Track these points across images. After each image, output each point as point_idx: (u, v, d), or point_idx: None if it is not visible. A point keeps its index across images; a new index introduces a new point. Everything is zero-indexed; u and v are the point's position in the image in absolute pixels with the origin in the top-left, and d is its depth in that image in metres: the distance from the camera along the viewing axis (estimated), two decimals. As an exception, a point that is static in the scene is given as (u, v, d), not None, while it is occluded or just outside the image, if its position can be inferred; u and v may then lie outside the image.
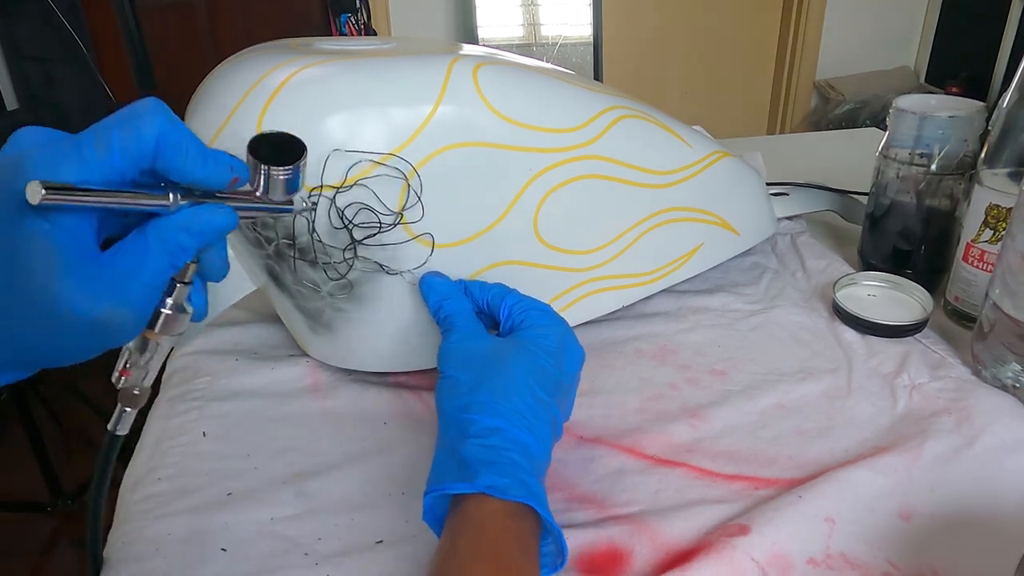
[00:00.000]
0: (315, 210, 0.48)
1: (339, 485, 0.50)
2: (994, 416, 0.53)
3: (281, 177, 0.36)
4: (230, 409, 0.58)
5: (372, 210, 0.50)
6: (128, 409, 0.38)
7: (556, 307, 0.61)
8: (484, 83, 0.52)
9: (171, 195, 0.32)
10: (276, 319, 0.65)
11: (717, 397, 0.58)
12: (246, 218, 0.39)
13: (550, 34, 2.43)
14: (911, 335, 0.63)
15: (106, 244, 0.32)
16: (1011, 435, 0.52)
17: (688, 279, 0.70)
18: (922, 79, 2.86)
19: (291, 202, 0.38)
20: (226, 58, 0.54)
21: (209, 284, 0.38)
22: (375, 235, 0.51)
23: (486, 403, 0.42)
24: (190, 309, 0.36)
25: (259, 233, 0.51)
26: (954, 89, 2.58)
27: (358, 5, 2.23)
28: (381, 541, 0.46)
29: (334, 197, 0.49)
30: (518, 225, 0.56)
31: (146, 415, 0.58)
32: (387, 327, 0.56)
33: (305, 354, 0.62)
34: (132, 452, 0.54)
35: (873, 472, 0.48)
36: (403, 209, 0.50)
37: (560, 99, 0.56)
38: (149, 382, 0.37)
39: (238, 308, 0.58)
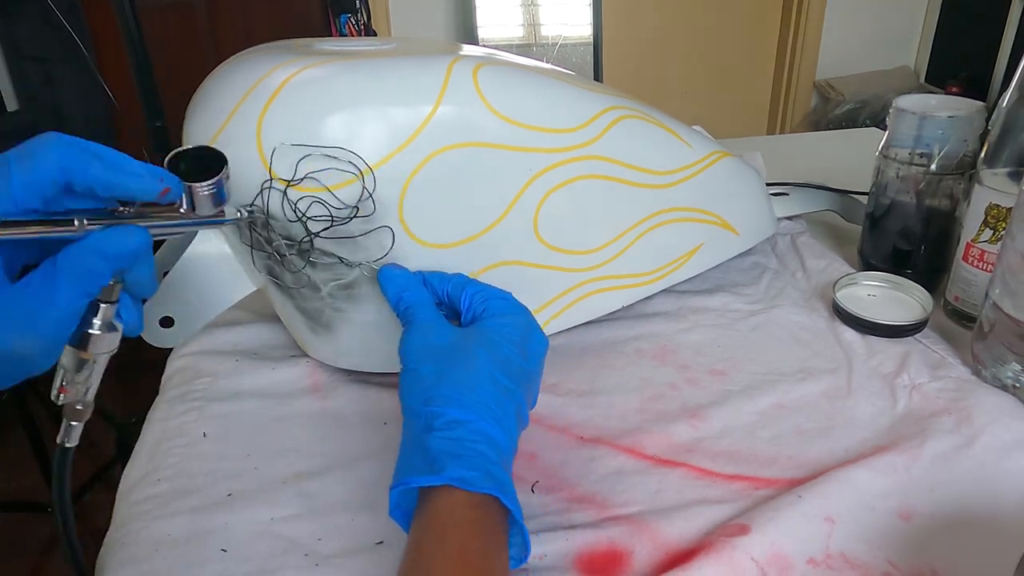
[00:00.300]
0: (249, 218, 0.47)
1: (339, 486, 0.50)
2: (994, 416, 0.53)
3: (204, 192, 0.36)
4: (230, 410, 0.58)
5: (324, 203, 0.49)
6: (74, 423, 0.38)
7: (556, 307, 0.61)
8: (484, 83, 0.52)
9: (75, 220, 0.32)
10: (276, 320, 0.65)
11: (717, 397, 0.58)
12: (175, 234, 0.39)
13: (550, 34, 2.43)
14: (911, 335, 0.63)
15: (24, 272, 0.32)
16: (1011, 435, 0.52)
17: (688, 279, 0.70)
18: (922, 79, 2.86)
19: (222, 214, 0.38)
20: (226, 59, 0.54)
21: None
22: (330, 227, 0.49)
23: (450, 395, 0.41)
24: (120, 327, 0.36)
25: (259, 234, 0.51)
26: (954, 89, 2.58)
27: (358, 5, 2.23)
28: (381, 542, 0.46)
29: (285, 191, 0.48)
30: (518, 225, 0.56)
31: (146, 416, 0.58)
32: (387, 327, 0.56)
33: (305, 354, 0.62)
34: (132, 453, 0.54)
35: (873, 472, 0.48)
36: (358, 202, 0.49)
37: (560, 99, 0.56)
38: (91, 396, 0.38)
39: (238, 309, 0.58)
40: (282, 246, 0.51)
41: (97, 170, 0.32)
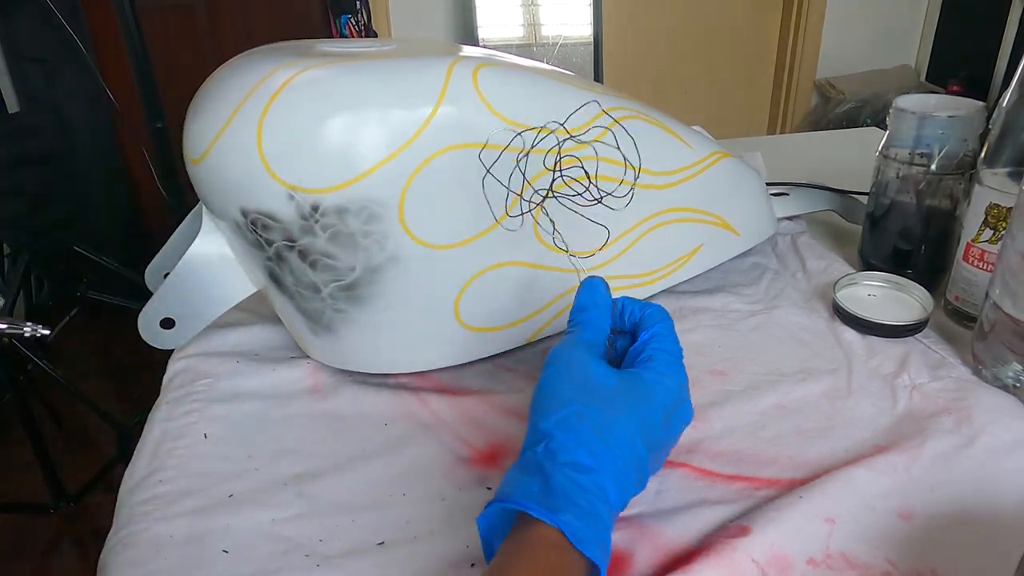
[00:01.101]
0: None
1: (340, 486, 0.50)
2: (994, 416, 0.53)
3: None
4: (231, 411, 0.58)
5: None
6: None
7: (557, 307, 0.61)
8: (484, 84, 0.52)
9: None
10: (276, 321, 0.65)
11: (717, 397, 0.58)
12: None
13: (550, 34, 2.43)
14: (911, 335, 0.63)
15: None
16: (1011, 435, 0.52)
17: (688, 279, 0.70)
18: (923, 78, 2.86)
19: None
20: (227, 60, 0.54)
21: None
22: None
23: (587, 439, 0.39)
24: None
25: (259, 235, 0.51)
26: (955, 88, 2.58)
27: (358, 6, 2.23)
28: (383, 542, 0.46)
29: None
30: (518, 226, 0.56)
31: (147, 417, 0.58)
32: (387, 328, 0.56)
33: (306, 356, 0.62)
34: (133, 454, 0.54)
35: (873, 472, 0.48)
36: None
37: (560, 100, 0.56)
38: None
39: (238, 310, 0.58)
40: (282, 247, 0.51)
41: None
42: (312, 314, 0.56)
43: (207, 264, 0.56)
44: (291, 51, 0.53)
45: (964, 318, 0.65)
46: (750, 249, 0.74)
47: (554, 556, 0.36)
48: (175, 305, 0.56)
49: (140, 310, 0.55)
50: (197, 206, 0.57)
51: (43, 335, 0.46)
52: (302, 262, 0.52)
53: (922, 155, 0.66)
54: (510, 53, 0.62)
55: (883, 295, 0.68)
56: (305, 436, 0.55)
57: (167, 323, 0.56)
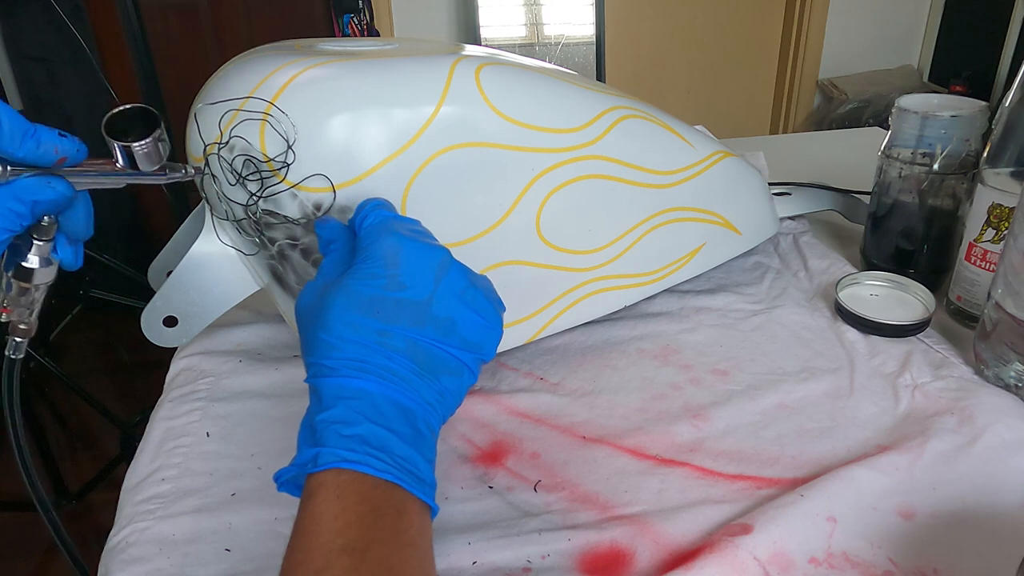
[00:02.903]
0: (203, 174, 0.48)
1: (342, 485, 0.50)
2: (996, 416, 0.53)
3: (140, 150, 0.40)
4: (234, 410, 0.58)
5: (252, 159, 0.48)
6: (19, 339, 0.43)
7: (559, 307, 0.61)
8: (486, 83, 0.52)
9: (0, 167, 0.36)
10: (279, 320, 0.65)
11: (719, 397, 0.58)
12: (108, 185, 0.43)
13: (553, 34, 2.43)
14: (913, 335, 0.63)
15: None
16: (1013, 435, 0.52)
17: (690, 279, 0.70)
18: (925, 78, 2.86)
19: (164, 170, 0.42)
20: (230, 59, 0.54)
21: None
22: (263, 185, 0.48)
23: (313, 359, 0.38)
24: (56, 261, 0.42)
25: (262, 234, 0.51)
26: (957, 88, 2.57)
27: (361, 5, 2.23)
28: (384, 541, 0.46)
29: (218, 153, 0.48)
30: (520, 225, 0.56)
31: (149, 415, 0.58)
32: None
33: (308, 354, 0.62)
34: (136, 453, 0.54)
35: (875, 471, 0.48)
36: (284, 154, 0.47)
37: (562, 99, 0.56)
38: (35, 316, 0.43)
39: (241, 309, 0.58)
40: (285, 246, 0.51)
41: (5, 134, 0.36)
42: (314, 313, 0.56)
43: (210, 263, 0.56)
44: (293, 50, 0.53)
45: (966, 318, 0.65)
46: (752, 248, 0.74)
47: (335, 501, 0.34)
48: (178, 303, 0.56)
49: (143, 309, 0.55)
50: (200, 205, 0.57)
51: (195, 170, 0.47)
52: (305, 260, 0.52)
53: (924, 155, 0.66)
54: (513, 53, 0.62)
55: (885, 295, 0.68)
56: (307, 435, 0.55)
57: (170, 321, 0.56)
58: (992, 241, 0.60)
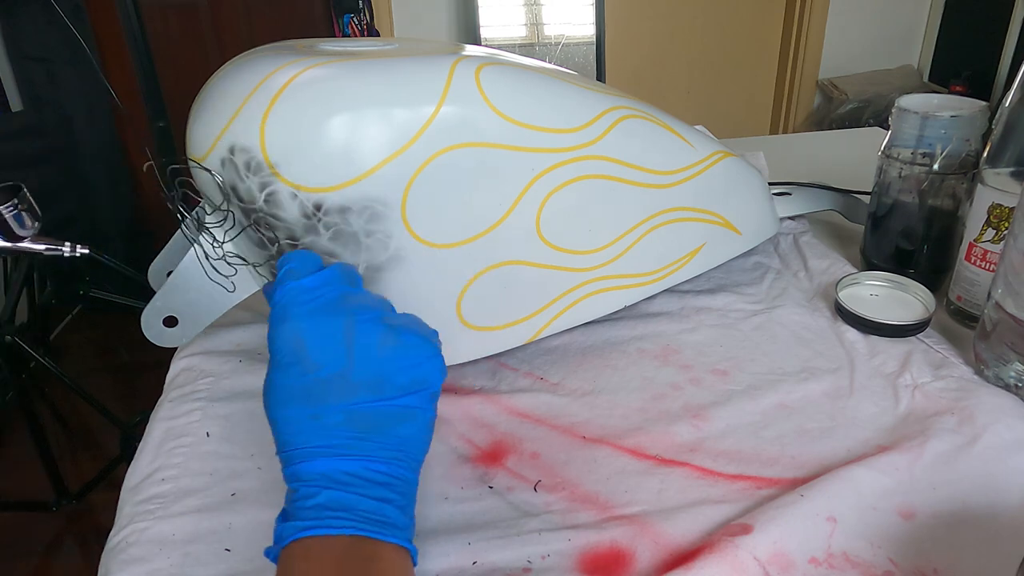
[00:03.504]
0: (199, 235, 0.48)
1: (342, 485, 0.51)
2: (996, 416, 0.53)
3: (9, 215, 0.41)
4: (233, 410, 0.58)
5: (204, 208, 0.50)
6: None
7: (559, 307, 0.61)
8: (487, 83, 0.52)
9: None
10: (279, 319, 0.65)
11: (719, 397, 0.58)
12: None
13: (553, 34, 2.43)
14: (913, 335, 0.63)
15: None
16: (1013, 435, 0.52)
17: (690, 279, 0.70)
18: (925, 78, 2.86)
19: (38, 237, 0.42)
20: (229, 59, 0.54)
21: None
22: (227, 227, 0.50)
23: (279, 457, 0.40)
24: None
25: (262, 234, 0.51)
26: (957, 88, 2.57)
27: (361, 5, 2.24)
28: (384, 541, 0.46)
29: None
30: (520, 225, 0.56)
31: (149, 416, 0.58)
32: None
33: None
34: (136, 453, 0.54)
35: (875, 471, 0.48)
36: (220, 206, 0.49)
37: (562, 99, 0.56)
38: None
39: (241, 309, 0.58)
40: (286, 246, 0.51)
41: None
42: (314, 313, 0.56)
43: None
44: (294, 50, 0.53)
45: (966, 318, 0.65)
46: (752, 248, 0.74)
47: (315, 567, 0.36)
48: (178, 303, 0.56)
49: (142, 309, 0.55)
50: (200, 205, 0.57)
51: (83, 253, 0.48)
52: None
53: (924, 155, 0.66)
54: (513, 53, 0.62)
55: (885, 295, 0.68)
56: (307, 435, 0.55)
57: (170, 321, 0.56)
58: (992, 241, 0.60)
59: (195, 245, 0.53)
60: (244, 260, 0.53)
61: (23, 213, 0.43)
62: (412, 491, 0.41)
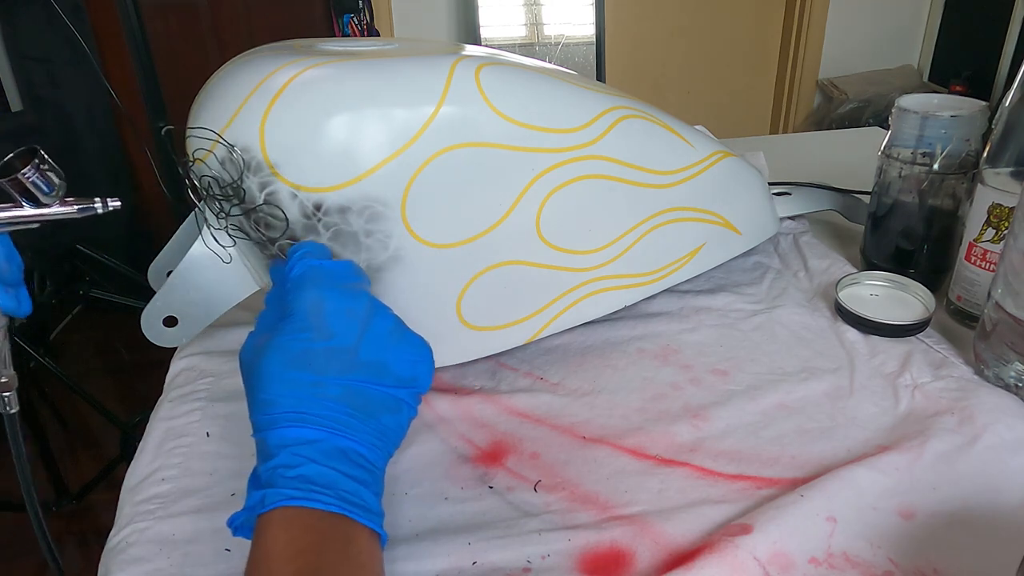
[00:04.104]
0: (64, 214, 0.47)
1: (342, 485, 0.51)
2: (996, 415, 0.53)
3: (27, 180, 0.41)
4: (233, 410, 0.58)
5: (217, 181, 0.49)
6: (6, 395, 0.44)
7: (559, 307, 0.61)
8: (487, 83, 0.52)
9: None
10: (279, 319, 0.65)
11: (719, 397, 0.58)
12: (19, 228, 0.45)
13: (553, 34, 2.43)
14: (913, 335, 0.63)
15: None
16: (1013, 435, 0.52)
17: (690, 279, 0.70)
18: (925, 78, 2.86)
19: (71, 203, 0.44)
20: (229, 59, 0.54)
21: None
22: (230, 204, 0.50)
23: (256, 418, 0.40)
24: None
25: (262, 234, 0.51)
26: (957, 88, 2.57)
27: (361, 5, 2.23)
28: (384, 541, 0.46)
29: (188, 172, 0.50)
30: (520, 225, 0.56)
31: (149, 415, 0.58)
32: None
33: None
34: (135, 453, 0.54)
35: (875, 471, 0.48)
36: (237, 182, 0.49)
37: (562, 99, 0.56)
38: (9, 367, 0.43)
39: (241, 309, 0.58)
40: (285, 244, 0.51)
41: None
42: (314, 313, 0.56)
43: (209, 263, 0.56)
44: (293, 50, 0.53)
45: (966, 318, 0.65)
46: (752, 248, 0.74)
47: (282, 541, 0.36)
48: (178, 303, 0.56)
49: (142, 309, 0.55)
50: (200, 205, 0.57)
51: (114, 207, 0.48)
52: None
53: (924, 155, 0.66)
54: (513, 53, 0.62)
55: (885, 295, 0.68)
56: (307, 435, 0.55)
57: (170, 321, 0.56)
58: (992, 241, 0.60)
59: (197, 217, 0.54)
60: (247, 235, 0.53)
61: (49, 173, 0.43)
62: (381, 480, 0.42)
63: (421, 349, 0.44)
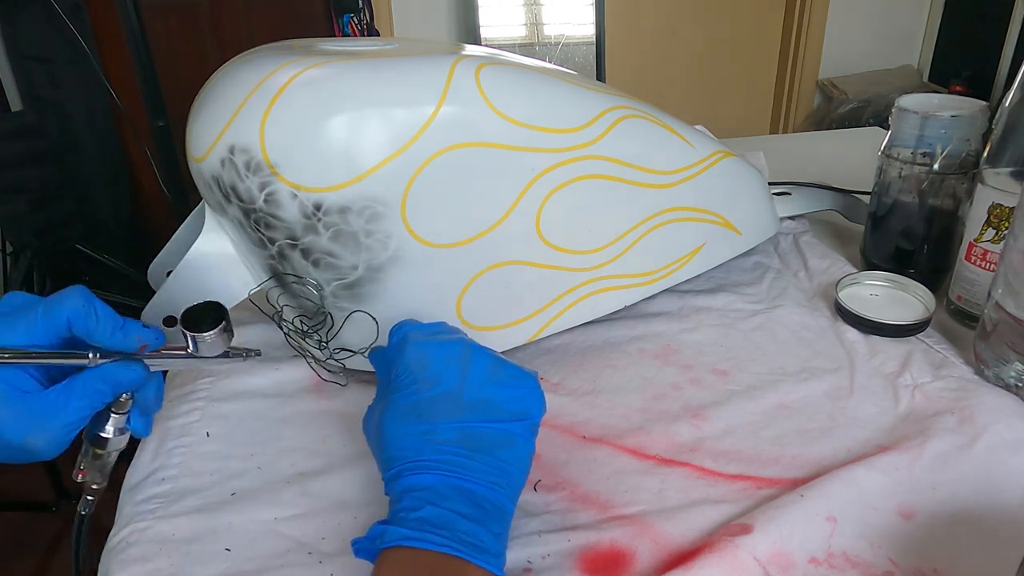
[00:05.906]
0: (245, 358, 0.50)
1: (342, 484, 0.51)
2: (996, 416, 0.53)
3: (207, 340, 0.45)
4: (233, 409, 0.58)
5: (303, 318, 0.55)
6: (90, 497, 0.47)
7: (559, 307, 0.61)
8: (486, 83, 0.52)
9: (90, 354, 0.42)
10: (279, 319, 0.65)
11: (719, 397, 0.58)
12: (177, 367, 0.50)
13: (552, 34, 2.43)
14: (913, 335, 0.63)
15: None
16: (1013, 435, 0.52)
17: (690, 279, 0.70)
18: (925, 78, 2.86)
19: (227, 354, 0.47)
20: (229, 59, 0.54)
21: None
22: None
23: (384, 475, 0.43)
24: (128, 431, 0.47)
25: (262, 234, 0.51)
26: (957, 88, 2.57)
27: (361, 5, 2.23)
28: (384, 541, 0.46)
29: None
30: (520, 225, 0.56)
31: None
32: (390, 327, 0.56)
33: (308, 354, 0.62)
34: (136, 452, 0.54)
35: (875, 471, 0.48)
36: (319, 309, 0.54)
37: (562, 99, 0.56)
38: (104, 480, 0.47)
39: (241, 309, 0.58)
40: (285, 246, 0.51)
41: (92, 327, 0.42)
42: (314, 313, 0.56)
43: (209, 263, 0.56)
44: (293, 50, 0.53)
45: (966, 318, 0.65)
46: (752, 248, 0.74)
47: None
48: (178, 303, 0.56)
49: (142, 308, 0.55)
50: (200, 205, 0.57)
51: (256, 357, 0.51)
52: (304, 260, 0.52)
53: (925, 155, 0.66)
54: (513, 53, 0.62)
55: (885, 295, 0.68)
56: (307, 434, 0.55)
57: (170, 321, 0.56)
58: (992, 241, 0.60)
59: (306, 357, 0.60)
60: (351, 351, 0.57)
61: (225, 334, 0.46)
62: (507, 521, 0.42)
63: (525, 380, 0.46)
